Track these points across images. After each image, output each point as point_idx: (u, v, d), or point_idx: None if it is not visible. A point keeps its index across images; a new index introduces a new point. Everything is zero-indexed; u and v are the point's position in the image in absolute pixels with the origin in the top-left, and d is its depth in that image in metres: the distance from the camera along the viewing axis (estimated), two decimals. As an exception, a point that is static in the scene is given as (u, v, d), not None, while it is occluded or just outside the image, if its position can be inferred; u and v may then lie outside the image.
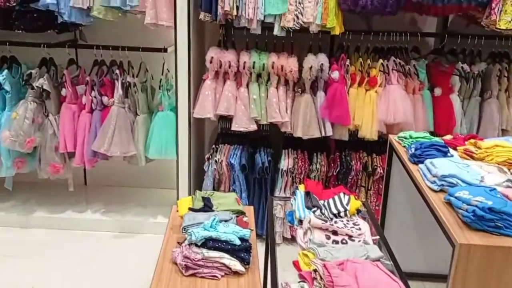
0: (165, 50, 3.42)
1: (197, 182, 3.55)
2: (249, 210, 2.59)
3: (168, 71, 3.51)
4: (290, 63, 3.20)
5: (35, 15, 3.42)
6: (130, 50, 3.43)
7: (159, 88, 3.44)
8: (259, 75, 3.30)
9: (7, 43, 3.45)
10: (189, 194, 3.38)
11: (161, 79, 3.44)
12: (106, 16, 3.23)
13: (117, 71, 3.40)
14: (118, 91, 3.35)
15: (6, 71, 3.38)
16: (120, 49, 3.43)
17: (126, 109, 3.39)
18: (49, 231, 3.52)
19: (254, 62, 3.22)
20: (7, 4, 3.10)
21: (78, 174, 3.82)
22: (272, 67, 3.21)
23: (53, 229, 3.54)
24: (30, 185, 3.85)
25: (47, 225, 3.57)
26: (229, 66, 3.22)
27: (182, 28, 3.17)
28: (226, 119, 3.43)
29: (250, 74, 3.27)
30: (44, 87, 3.35)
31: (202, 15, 3.17)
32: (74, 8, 3.19)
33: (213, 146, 3.47)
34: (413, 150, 2.54)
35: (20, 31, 3.46)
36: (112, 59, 3.51)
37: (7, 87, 3.34)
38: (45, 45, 3.44)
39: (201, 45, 3.56)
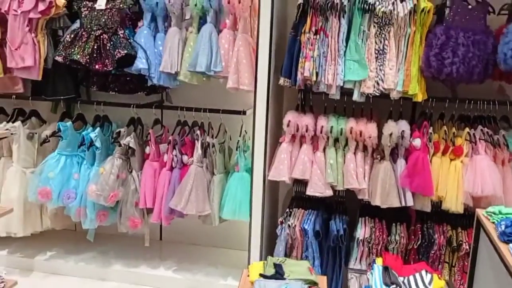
0: (244, 112, 3.27)
1: (269, 245, 3.26)
2: (322, 281, 2.27)
3: (246, 133, 3.34)
4: (369, 129, 2.91)
5: (127, 78, 3.43)
6: (211, 112, 3.32)
7: (236, 149, 3.27)
8: (336, 140, 3.04)
9: (102, 103, 3.46)
10: (261, 257, 3.10)
11: (238, 140, 3.28)
12: (191, 80, 3.16)
13: (198, 132, 3.28)
14: (198, 151, 3.21)
15: (98, 129, 3.37)
16: (202, 110, 3.32)
17: (204, 169, 3.23)
18: (123, 285, 3.34)
19: (332, 127, 2.97)
20: (105, 68, 3.10)
21: (154, 229, 3.66)
22: (351, 132, 2.93)
23: (127, 283, 3.37)
24: (109, 237, 3.73)
25: (122, 279, 3.41)
26: (306, 130, 2.99)
27: (261, 92, 3.01)
28: (301, 183, 3.16)
29: (327, 138, 3.02)
30: (131, 145, 3.29)
31: (281, 81, 3.00)
32: (163, 73, 3.15)
33: (287, 209, 3.20)
34: (503, 227, 2.12)
35: (114, 93, 3.47)
36: (194, 120, 3.40)
37: (98, 144, 3.31)
38: (134, 106, 3.41)
39: (278, 109, 3.38)
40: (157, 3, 3.13)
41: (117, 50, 3.10)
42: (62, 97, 3.46)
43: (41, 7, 3.13)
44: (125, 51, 3.09)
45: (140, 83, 3.42)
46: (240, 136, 3.30)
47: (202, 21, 3.17)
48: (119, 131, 3.33)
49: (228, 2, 3.04)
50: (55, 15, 3.23)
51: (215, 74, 3.08)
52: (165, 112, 3.59)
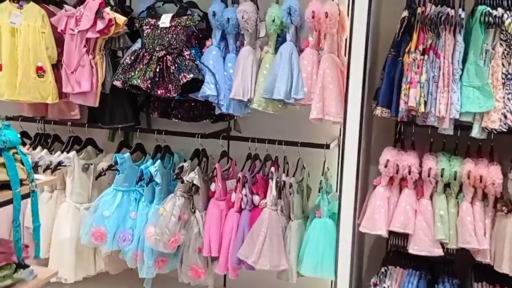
0: (327, 146, 2.64)
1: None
2: None
3: (328, 169, 2.70)
4: (492, 173, 2.19)
5: (192, 104, 2.88)
6: (287, 145, 2.70)
7: (319, 191, 2.62)
8: (447, 185, 2.33)
9: (163, 132, 2.92)
10: (346, 324, 2.42)
11: (321, 180, 2.63)
12: (266, 109, 2.56)
13: (272, 169, 2.65)
14: (272, 191, 2.60)
15: (159, 161, 2.82)
16: (276, 143, 2.71)
17: (279, 212, 2.61)
18: None
19: (443, 169, 2.27)
20: (168, 94, 2.56)
21: (218, 279, 3.04)
22: (468, 177, 2.22)
23: None
24: (169, 281, 3.13)
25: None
26: (409, 172, 2.30)
27: (352, 124, 2.35)
28: (398, 235, 2.46)
29: (436, 183, 2.31)
30: (194, 181, 2.71)
31: (378, 111, 2.34)
32: (233, 100, 2.56)
33: (382, 268, 2.50)
34: None
35: (177, 120, 2.93)
36: (267, 153, 2.79)
37: (158, 179, 2.76)
38: (199, 136, 2.84)
39: (368, 142, 2.70)
40: (228, 19, 2.56)
41: (182, 74, 2.55)
42: (120, 126, 2.94)
43: (100, 25, 2.64)
44: (191, 75, 2.54)
45: (206, 109, 2.87)
46: (322, 174, 2.66)
47: (280, 39, 2.58)
48: (182, 166, 2.77)
49: (313, 17, 2.42)
50: (114, 34, 2.73)
51: (295, 102, 2.46)
52: (233, 143, 3.00)
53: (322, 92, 2.41)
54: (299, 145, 2.68)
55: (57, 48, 2.88)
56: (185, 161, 3.01)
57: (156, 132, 2.94)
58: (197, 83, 2.60)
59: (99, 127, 3.01)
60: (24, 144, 3.17)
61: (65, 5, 2.80)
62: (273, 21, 2.49)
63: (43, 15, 2.85)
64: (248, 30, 2.56)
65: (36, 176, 1.83)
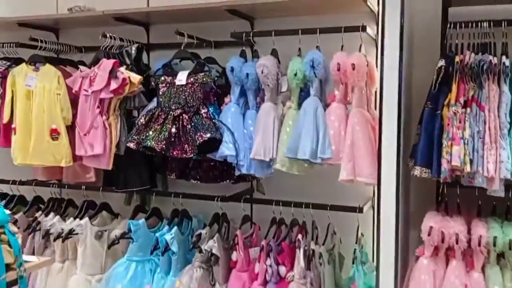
0: (360, 210, 2.35)
1: None
2: None
3: (362, 235, 2.39)
4: (558, 243, 1.84)
5: (211, 164, 2.66)
6: (315, 208, 2.43)
7: (353, 262, 2.31)
8: (501, 255, 1.99)
9: (180, 195, 2.70)
10: None
11: (354, 249, 2.32)
12: (290, 169, 2.31)
13: (299, 236, 2.37)
14: (300, 262, 2.30)
15: (175, 228, 2.59)
16: (303, 206, 2.44)
17: (308, 286, 2.30)
18: None
19: (495, 237, 1.94)
20: (184, 155, 2.36)
21: None
22: (528, 247, 1.88)
23: None
24: None
25: None
26: (456, 241, 1.98)
27: (388, 185, 2.08)
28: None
29: (488, 253, 1.98)
30: (213, 251, 2.45)
31: (417, 171, 2.07)
32: (254, 160, 2.33)
33: None
34: None
35: (195, 181, 2.71)
36: (293, 218, 2.52)
37: (174, 247, 2.52)
38: (219, 199, 2.60)
39: (407, 206, 2.40)
40: (247, 74, 2.39)
41: (199, 134, 2.35)
42: (134, 189, 2.74)
43: (114, 85, 2.50)
44: (208, 135, 2.34)
45: (227, 169, 2.64)
46: (356, 242, 2.36)
47: (303, 93, 2.37)
48: (200, 234, 2.52)
49: (338, 69, 2.21)
50: (129, 93, 2.59)
51: (323, 162, 2.21)
52: (256, 206, 2.74)
53: (352, 151, 2.16)
54: (328, 208, 2.40)
55: (72, 110, 2.76)
56: (204, 226, 2.77)
57: (173, 195, 2.72)
58: (215, 143, 2.40)
59: (114, 191, 2.82)
60: (38, 209, 3.01)
61: (80, 66, 2.69)
62: (295, 75, 2.30)
63: (58, 76, 2.76)
64: (268, 85, 2.37)
65: (28, 257, 1.61)
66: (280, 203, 2.50)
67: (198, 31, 2.68)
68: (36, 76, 2.78)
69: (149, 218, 2.74)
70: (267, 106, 2.38)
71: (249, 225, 2.69)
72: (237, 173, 2.42)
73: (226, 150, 2.34)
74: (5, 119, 2.81)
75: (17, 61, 2.92)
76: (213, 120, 2.43)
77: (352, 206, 2.38)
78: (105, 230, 2.82)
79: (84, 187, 2.90)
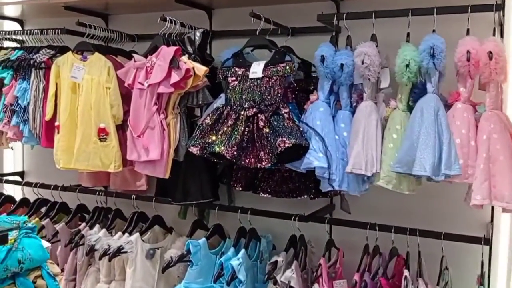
0: (486, 241, 1.77)
1: None
2: None
3: (487, 274, 1.82)
4: None
5: (286, 174, 2.15)
6: (423, 236, 1.88)
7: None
8: None
9: (249, 211, 2.19)
10: None
11: (480, 292, 1.75)
12: (397, 187, 1.77)
13: (405, 272, 1.81)
14: (408, 307, 1.74)
15: (243, 252, 2.09)
16: (407, 232, 1.89)
17: (417, 337, 1.73)
18: None
19: None
20: (259, 164, 1.85)
21: None
22: None
23: None
24: None
25: None
26: None
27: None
28: None
29: None
30: (292, 283, 1.94)
31: None
32: (350, 174, 1.79)
33: None
34: None
35: (266, 195, 2.20)
36: (393, 247, 1.96)
37: (241, 276, 2.02)
38: (296, 217, 2.08)
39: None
40: (341, 65, 1.85)
41: (279, 139, 1.83)
42: (194, 202, 2.25)
43: (175, 77, 2.02)
44: (292, 141, 1.81)
45: (305, 182, 2.13)
46: (479, 284, 1.78)
47: (416, 90, 1.81)
48: (276, 262, 2.00)
49: (468, 59, 1.64)
50: (192, 88, 2.10)
51: (447, 179, 1.65)
52: (335, 228, 2.20)
53: (488, 167, 1.59)
54: (442, 237, 1.84)
55: (123, 106, 2.30)
56: (273, 247, 2.26)
57: (239, 210, 2.22)
58: (298, 150, 1.88)
59: (169, 203, 2.34)
60: (81, 219, 2.56)
61: (134, 55, 2.22)
62: (407, 66, 1.75)
63: (108, 67, 2.30)
64: (369, 79, 1.83)
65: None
66: (376, 227, 1.95)
67: (269, 16, 2.16)
68: (83, 67, 2.33)
69: (210, 237, 2.25)
70: (367, 105, 1.84)
71: (334, 252, 2.14)
72: (325, 188, 1.89)
73: (315, 160, 1.81)
74: (48, 115, 2.39)
75: (62, 50, 2.49)
76: (296, 123, 1.91)
77: (473, 236, 1.82)
78: (158, 248, 2.35)
79: (135, 196, 2.44)
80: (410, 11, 1.82)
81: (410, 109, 1.81)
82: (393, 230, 1.92)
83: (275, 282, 1.98)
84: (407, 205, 2.05)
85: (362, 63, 1.80)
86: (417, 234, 1.89)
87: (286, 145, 1.81)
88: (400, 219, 2.01)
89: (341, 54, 1.89)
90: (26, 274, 1.03)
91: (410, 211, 2.06)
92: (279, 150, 1.82)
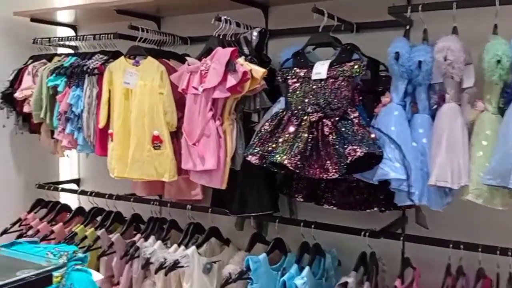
0: None
1: None
2: None
3: None
4: None
5: (353, 184, 1.94)
6: (503, 254, 1.61)
7: None
8: None
9: (313, 225, 2.01)
10: None
11: None
12: (489, 202, 1.53)
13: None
14: None
15: (307, 269, 1.91)
16: (498, 252, 1.63)
17: None
18: None
19: None
20: (325, 175, 1.66)
21: None
22: None
23: None
24: None
25: None
26: None
27: None
28: None
29: None
30: (364, 307, 1.71)
31: None
32: (433, 187, 1.56)
33: None
34: None
35: (330, 207, 2.00)
36: (479, 267, 1.71)
37: (306, 296, 1.81)
38: (367, 233, 1.87)
39: None
40: (419, 63, 1.62)
41: (349, 147, 1.63)
42: (253, 214, 2.09)
43: (231, 81, 1.87)
44: (365, 149, 1.61)
45: (374, 193, 1.91)
46: None
47: (509, 90, 1.56)
48: (346, 283, 1.80)
49: None
50: (249, 92, 1.94)
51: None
52: (411, 245, 1.96)
53: None
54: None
55: (177, 113, 2.18)
56: (339, 264, 2.07)
57: (302, 224, 2.03)
58: (369, 159, 1.67)
59: (226, 214, 2.19)
60: (136, 228, 2.48)
61: (188, 58, 2.09)
62: (498, 62, 1.50)
63: (161, 72, 2.19)
64: (452, 78, 1.59)
65: None
66: (461, 246, 1.71)
67: (330, 11, 1.96)
68: (136, 72, 2.23)
69: (270, 252, 2.08)
70: (451, 108, 1.60)
71: (409, 271, 1.91)
72: (402, 202, 1.67)
73: (391, 171, 1.60)
74: (101, 123, 2.31)
75: (115, 55, 2.41)
76: (367, 128, 1.70)
77: None
78: (215, 262, 2.22)
79: (190, 206, 2.31)
80: (498, -1, 1.56)
81: (501, 111, 1.56)
82: (480, 250, 1.67)
83: (345, 305, 1.78)
84: (495, 219, 1.79)
85: (445, 59, 1.57)
86: (510, 254, 1.62)
87: (358, 154, 1.61)
88: (486, 236, 1.76)
89: (418, 50, 1.66)
90: (75, 316, 0.91)
91: (499, 226, 1.79)
92: (349, 160, 1.62)
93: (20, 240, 1.08)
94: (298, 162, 1.72)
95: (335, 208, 2.00)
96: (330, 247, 2.10)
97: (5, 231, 2.64)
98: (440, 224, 1.89)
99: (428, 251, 1.89)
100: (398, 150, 1.61)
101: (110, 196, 2.53)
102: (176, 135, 2.23)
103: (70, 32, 2.94)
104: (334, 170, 1.69)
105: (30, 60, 2.68)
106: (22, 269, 0.83)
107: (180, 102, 2.19)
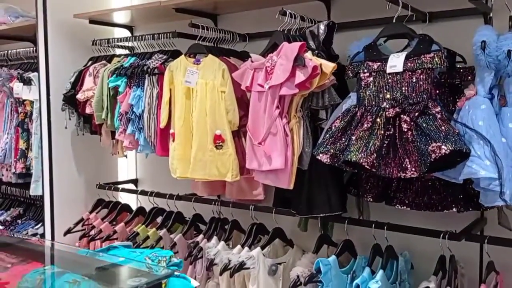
0: None
1: None
2: None
3: None
4: None
5: (428, 184, 1.84)
6: None
7: None
8: None
9: (385, 226, 1.90)
10: None
11: None
12: None
13: None
14: None
15: (381, 273, 1.80)
16: None
17: None
18: None
19: None
20: (403, 174, 1.56)
21: None
22: None
23: None
24: None
25: None
26: None
27: None
28: None
29: None
30: (447, 314, 1.59)
31: None
32: (528, 185, 1.43)
33: None
34: None
35: (402, 207, 1.89)
36: None
37: (380, 301, 1.71)
38: (446, 235, 1.75)
39: None
40: (508, 52, 1.49)
41: (433, 144, 1.52)
42: (322, 215, 2.00)
43: (300, 76, 1.79)
44: (451, 146, 1.49)
45: (452, 192, 1.79)
46: None
47: None
48: (427, 288, 1.68)
49: None
50: (317, 88, 1.85)
51: None
52: (493, 249, 1.82)
53: None
54: None
55: (239, 111, 2.12)
56: (412, 267, 1.96)
57: (374, 225, 1.93)
58: (452, 157, 1.55)
59: (290, 214, 2.12)
60: (196, 229, 2.44)
61: (252, 55, 2.02)
62: None
63: (223, 70, 2.14)
64: (549, 67, 1.44)
65: None
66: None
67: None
68: (197, 71, 2.19)
69: (340, 254, 1.99)
70: (547, 100, 1.45)
71: (493, 276, 1.78)
72: (491, 203, 1.54)
73: (481, 169, 1.47)
74: (162, 123, 2.28)
75: (174, 54, 2.38)
76: (449, 123, 1.58)
77: None
78: (280, 264, 2.15)
79: (253, 206, 2.25)
80: None
81: None
82: None
83: (425, 312, 1.67)
84: None
85: (539, 47, 1.42)
86: None
87: (443, 151, 1.50)
88: None
89: (506, 38, 1.53)
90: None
91: None
92: (433, 157, 1.51)
93: (115, 244, 1.05)
94: (375, 161, 1.63)
95: (408, 208, 1.89)
96: (400, 249, 1.99)
97: (68, 231, 2.67)
98: None
99: (509, 254, 1.75)
100: (488, 147, 1.48)
101: (171, 196, 2.50)
102: (237, 135, 2.18)
103: (126, 33, 2.95)
104: (414, 169, 1.59)
105: (90, 62, 2.69)
106: (132, 277, 0.79)
107: (241, 100, 2.13)
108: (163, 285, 0.84)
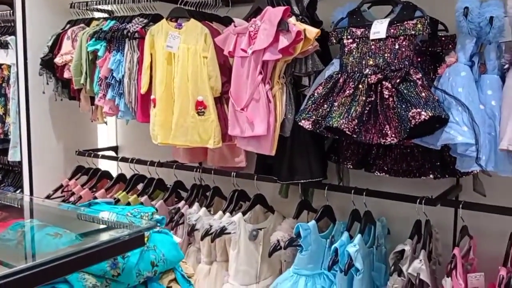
0: None
1: None
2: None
3: None
4: None
5: (407, 150, 1.86)
6: None
7: None
8: None
9: (364, 193, 1.93)
10: None
11: None
12: None
13: None
14: None
15: (359, 237, 1.85)
16: None
17: None
18: None
19: None
20: (383, 140, 1.59)
21: None
22: None
23: None
24: None
25: None
26: None
27: None
28: None
29: None
30: (422, 276, 1.67)
31: None
32: (502, 152, 1.46)
33: None
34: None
35: (381, 174, 1.92)
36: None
37: (359, 264, 1.79)
38: (423, 201, 1.79)
39: None
40: (491, 19, 1.49)
41: (413, 110, 1.54)
42: (303, 181, 2.02)
43: (284, 42, 1.77)
44: (430, 112, 1.51)
45: (430, 159, 1.83)
46: None
47: None
48: (402, 251, 1.73)
49: None
50: (300, 54, 1.84)
51: None
52: (467, 214, 1.87)
53: None
54: None
55: (221, 77, 2.10)
56: (388, 232, 2.01)
57: (353, 191, 1.96)
58: (431, 123, 1.57)
59: (271, 180, 2.13)
60: (178, 196, 2.45)
61: (235, 19, 1.99)
62: None
63: (205, 34, 2.10)
64: (528, 35, 1.46)
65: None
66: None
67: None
68: (178, 35, 2.15)
69: (319, 220, 2.02)
70: (525, 67, 1.47)
71: (466, 240, 1.84)
72: (467, 168, 1.58)
73: (459, 135, 1.50)
74: (143, 88, 2.25)
75: (155, 18, 2.33)
76: (429, 91, 1.60)
77: None
78: (260, 229, 2.17)
79: (234, 173, 2.26)
80: None
81: None
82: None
83: (400, 274, 1.72)
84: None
85: (521, 13, 1.43)
86: None
87: (422, 117, 1.51)
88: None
89: (489, 5, 1.54)
90: (159, 278, 0.86)
91: None
92: (412, 123, 1.53)
93: (97, 200, 1.04)
94: (356, 127, 1.64)
95: (386, 175, 1.92)
96: (378, 215, 2.03)
97: (48, 197, 2.64)
98: (495, 190, 1.80)
99: (480, 219, 1.81)
100: (466, 113, 1.51)
101: (152, 163, 2.49)
102: (219, 101, 2.16)
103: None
104: (393, 135, 1.61)
105: (68, 25, 2.62)
106: (114, 229, 0.79)
107: (224, 66, 2.11)
108: (146, 239, 0.84)
